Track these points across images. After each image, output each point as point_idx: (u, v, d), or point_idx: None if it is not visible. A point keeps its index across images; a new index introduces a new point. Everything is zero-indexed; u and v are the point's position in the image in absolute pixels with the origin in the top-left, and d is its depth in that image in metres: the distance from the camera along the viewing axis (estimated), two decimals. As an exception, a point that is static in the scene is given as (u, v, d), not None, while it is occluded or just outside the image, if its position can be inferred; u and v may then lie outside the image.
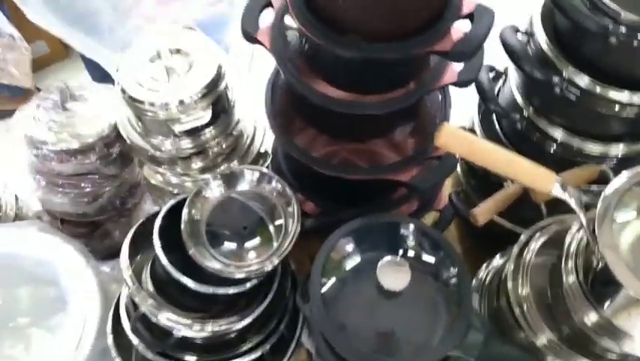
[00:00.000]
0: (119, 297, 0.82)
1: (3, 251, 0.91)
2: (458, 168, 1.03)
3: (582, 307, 0.61)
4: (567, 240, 0.65)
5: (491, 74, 0.88)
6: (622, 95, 0.72)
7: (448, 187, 1.05)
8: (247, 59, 1.50)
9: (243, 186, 0.77)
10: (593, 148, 0.80)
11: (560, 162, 0.80)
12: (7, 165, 1.07)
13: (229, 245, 0.75)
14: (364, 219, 0.71)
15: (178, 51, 0.84)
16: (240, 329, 0.76)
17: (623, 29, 0.65)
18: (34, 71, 1.81)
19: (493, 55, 0.82)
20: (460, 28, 0.66)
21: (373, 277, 0.63)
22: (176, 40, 0.85)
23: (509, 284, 0.70)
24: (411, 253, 0.69)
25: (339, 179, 0.80)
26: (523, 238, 0.74)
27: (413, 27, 0.63)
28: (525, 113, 0.82)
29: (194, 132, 0.85)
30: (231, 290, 0.72)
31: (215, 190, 0.76)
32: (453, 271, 0.67)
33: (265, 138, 0.98)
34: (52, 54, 1.86)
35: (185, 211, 0.73)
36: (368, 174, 0.79)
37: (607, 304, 0.59)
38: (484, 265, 0.87)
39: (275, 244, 0.74)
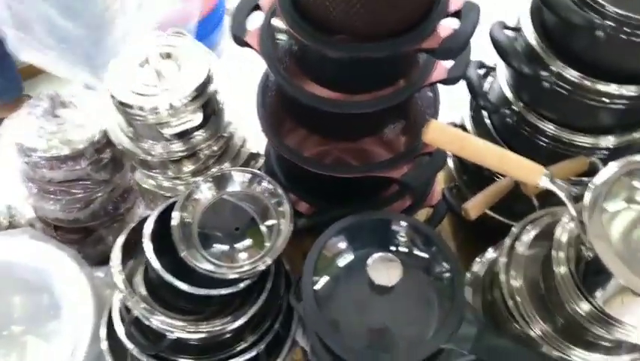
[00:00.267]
0: (112, 302, 0.82)
1: (-4, 260, 0.91)
2: (450, 164, 1.04)
3: (574, 297, 0.61)
4: (558, 231, 0.65)
5: (481, 71, 0.89)
6: (610, 88, 0.72)
7: (440, 183, 1.06)
8: (239, 62, 1.50)
9: (234, 187, 0.77)
10: (584, 140, 0.81)
11: (551, 155, 0.81)
12: (-1, 173, 1.07)
13: (221, 247, 0.75)
14: (355, 216, 0.71)
15: (167, 55, 0.84)
16: (235, 329, 0.76)
17: (609, 23, 0.66)
18: (25, 79, 1.81)
19: (483, 51, 0.82)
20: (449, 25, 0.67)
21: (366, 273, 0.63)
22: (165, 45, 0.85)
23: (502, 277, 0.70)
24: (403, 249, 0.70)
25: (331, 178, 0.80)
26: (515, 230, 0.74)
27: (400, 26, 0.63)
28: (515, 108, 0.83)
29: (184, 135, 0.85)
30: (224, 291, 0.72)
31: (206, 192, 0.76)
32: (446, 265, 0.67)
33: (257, 140, 0.98)
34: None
35: (175, 214, 0.73)
36: (359, 172, 0.79)
37: (599, 293, 0.59)
38: (478, 258, 0.87)
39: (267, 244, 0.74)
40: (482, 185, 0.81)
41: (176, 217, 0.73)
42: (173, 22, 1.08)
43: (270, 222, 0.76)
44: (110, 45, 1.20)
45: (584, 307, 0.61)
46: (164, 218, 0.75)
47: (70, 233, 1.09)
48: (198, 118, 0.81)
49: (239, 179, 0.78)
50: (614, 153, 0.80)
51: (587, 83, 0.73)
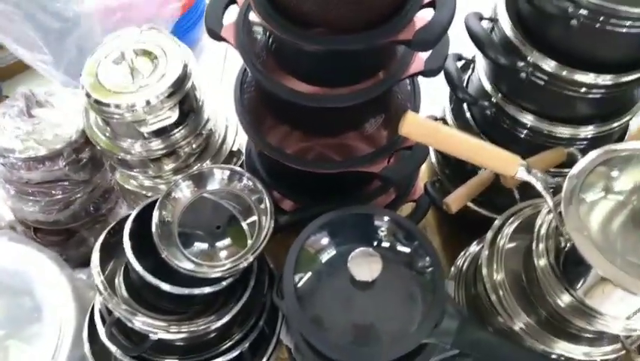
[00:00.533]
0: (94, 304, 0.81)
1: (-25, 264, 0.89)
2: (433, 158, 1.04)
3: (555, 289, 0.61)
4: (537, 222, 0.65)
5: (459, 63, 0.88)
6: (586, 78, 0.72)
7: (424, 178, 1.06)
8: (221, 59, 1.49)
9: (214, 185, 0.77)
10: (563, 131, 0.80)
11: (531, 146, 0.81)
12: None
13: (203, 245, 0.74)
14: (337, 212, 0.71)
15: (143, 52, 0.83)
16: (219, 328, 0.75)
17: (583, 12, 0.66)
18: (4, 79, 1.77)
19: (463, 44, 0.82)
20: (425, 17, 0.66)
21: (347, 269, 0.63)
22: (140, 42, 0.84)
23: (484, 270, 0.70)
24: (385, 244, 0.69)
25: (313, 174, 0.79)
26: (497, 223, 0.74)
27: (375, 18, 0.63)
28: (494, 100, 0.83)
29: (163, 133, 0.84)
30: (206, 290, 0.71)
31: (185, 191, 0.75)
32: (427, 260, 0.67)
33: (237, 137, 0.97)
34: (22, 62, 1.82)
35: (155, 214, 0.72)
36: (338, 167, 0.79)
37: (579, 284, 0.60)
38: (462, 252, 0.87)
39: (249, 242, 0.74)
40: (464, 179, 0.80)
41: (156, 217, 0.72)
42: (149, 19, 1.07)
43: (251, 220, 0.76)
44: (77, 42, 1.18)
45: (564, 299, 0.61)
46: (144, 217, 0.74)
47: (51, 235, 1.07)
48: (175, 115, 0.80)
49: (218, 176, 0.77)
50: (593, 143, 0.81)
51: (564, 72, 0.72)
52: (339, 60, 0.68)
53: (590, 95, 0.74)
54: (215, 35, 0.73)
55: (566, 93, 0.74)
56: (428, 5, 0.65)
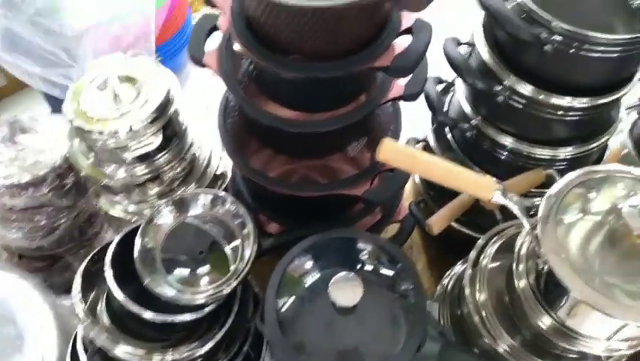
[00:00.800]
0: (77, 332, 0.80)
1: (-44, 292, 0.88)
2: (417, 179, 1.04)
3: (535, 310, 0.61)
4: (518, 243, 0.66)
5: (440, 86, 0.90)
6: (563, 101, 0.74)
7: (409, 197, 1.06)
8: (206, 85, 1.49)
9: (197, 210, 0.77)
10: (543, 152, 0.82)
11: (511, 168, 0.82)
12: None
13: (186, 271, 0.73)
14: (320, 235, 0.71)
15: (126, 78, 0.84)
16: (203, 355, 0.74)
17: (556, 38, 0.67)
18: (-12, 104, 1.77)
19: (442, 67, 0.83)
20: (403, 43, 0.67)
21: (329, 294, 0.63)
22: (124, 68, 0.85)
23: (467, 290, 0.70)
24: (368, 267, 0.69)
25: (297, 197, 0.80)
26: (480, 242, 0.75)
27: (352, 46, 0.64)
28: (474, 122, 0.84)
29: (147, 158, 0.84)
30: (190, 317, 0.70)
31: (167, 217, 0.75)
32: (410, 283, 0.67)
33: (222, 161, 0.97)
34: (10, 86, 1.83)
35: (137, 241, 0.72)
36: (320, 190, 0.79)
37: (559, 306, 0.60)
38: (448, 272, 0.87)
39: (232, 267, 0.74)
40: (449, 199, 0.81)
41: (138, 244, 0.72)
42: (129, 44, 1.07)
43: (234, 244, 0.76)
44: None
45: (545, 320, 0.61)
46: (127, 242, 0.73)
47: (35, 261, 1.06)
48: (158, 140, 0.81)
49: (201, 201, 0.77)
50: (573, 164, 0.82)
51: (541, 96, 0.74)
52: (318, 86, 0.69)
53: (568, 118, 0.76)
54: (198, 62, 0.73)
55: (544, 116, 0.76)
56: (405, 32, 0.67)
